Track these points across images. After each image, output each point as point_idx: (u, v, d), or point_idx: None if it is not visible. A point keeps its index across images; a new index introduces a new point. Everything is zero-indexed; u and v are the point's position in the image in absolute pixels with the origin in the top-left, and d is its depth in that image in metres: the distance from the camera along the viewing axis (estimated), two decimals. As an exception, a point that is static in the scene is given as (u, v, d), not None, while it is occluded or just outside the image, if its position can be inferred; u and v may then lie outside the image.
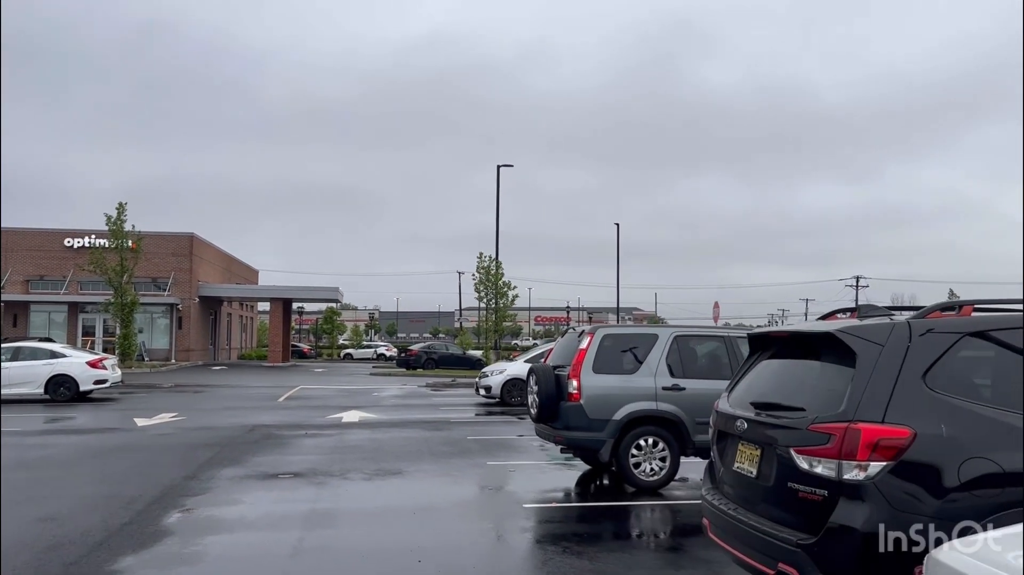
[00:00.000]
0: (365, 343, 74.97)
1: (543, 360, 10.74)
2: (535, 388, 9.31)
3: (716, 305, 29.60)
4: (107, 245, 36.47)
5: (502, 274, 38.15)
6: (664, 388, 9.04)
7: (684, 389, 9.05)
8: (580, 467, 10.40)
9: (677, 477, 9.20)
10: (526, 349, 32.78)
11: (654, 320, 58.12)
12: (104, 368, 20.93)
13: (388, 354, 64.34)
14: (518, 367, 19.89)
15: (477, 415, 17.88)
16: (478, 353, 42.70)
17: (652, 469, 8.91)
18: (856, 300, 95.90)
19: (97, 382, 20.68)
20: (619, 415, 8.87)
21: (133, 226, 36.66)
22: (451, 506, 8.39)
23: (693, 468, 9.18)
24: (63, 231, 41.91)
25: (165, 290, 42.37)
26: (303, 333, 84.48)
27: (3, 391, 20.04)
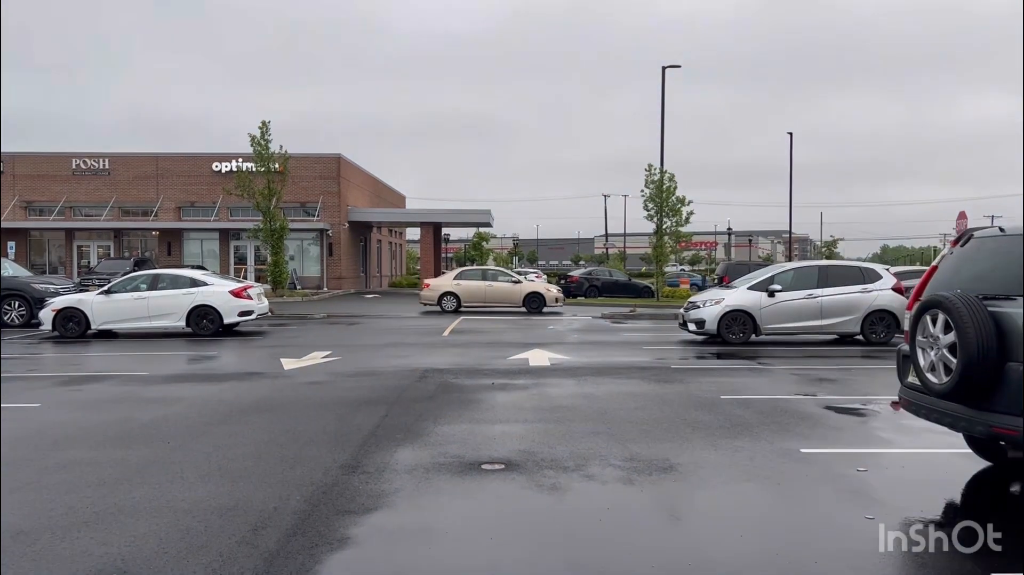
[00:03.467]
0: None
1: (916, 289, 6.38)
2: (947, 338, 5.15)
3: (963, 215, 23.92)
4: (254, 168, 34.56)
5: (675, 187, 33.41)
6: None
7: None
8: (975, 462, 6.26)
9: None
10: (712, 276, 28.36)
11: (831, 245, 51.17)
12: (249, 298, 18.40)
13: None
14: (740, 296, 15.66)
15: (700, 358, 13.91)
16: (645, 280, 38.51)
17: None
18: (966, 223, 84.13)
19: (242, 313, 18.19)
20: None
21: (281, 147, 34.53)
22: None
23: None
24: (211, 155, 40.56)
25: (314, 215, 40.49)
26: (447, 261, 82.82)
27: (144, 324, 17.95)
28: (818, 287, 15.54)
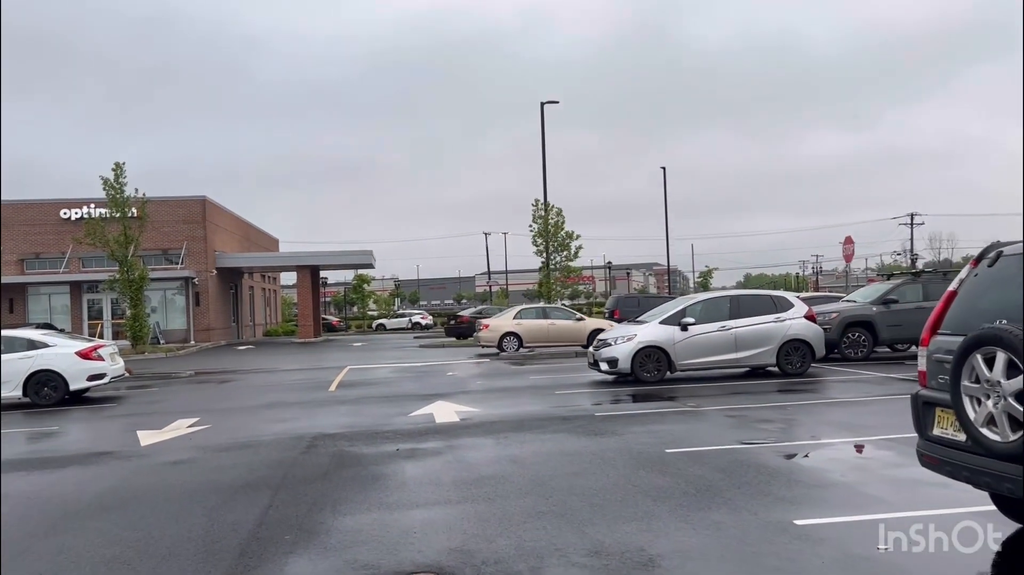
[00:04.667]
0: (398, 311, 70.08)
1: (932, 320, 5.20)
2: (1013, 384, 4.01)
3: (849, 240, 24.21)
4: (108, 215, 31.46)
5: (563, 222, 32.78)
6: None
7: None
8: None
9: None
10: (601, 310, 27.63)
11: (707, 275, 52.16)
12: (100, 359, 15.91)
13: (424, 323, 59.61)
14: (652, 331, 14.68)
15: (620, 402, 12.75)
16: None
17: None
18: (912, 239, 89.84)
19: (92, 377, 15.68)
20: None
21: (136, 190, 31.56)
22: None
23: None
24: (58, 201, 36.90)
25: (178, 262, 37.39)
26: (324, 306, 79.55)
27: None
28: (730, 318, 14.79)
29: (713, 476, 7.00)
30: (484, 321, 26.80)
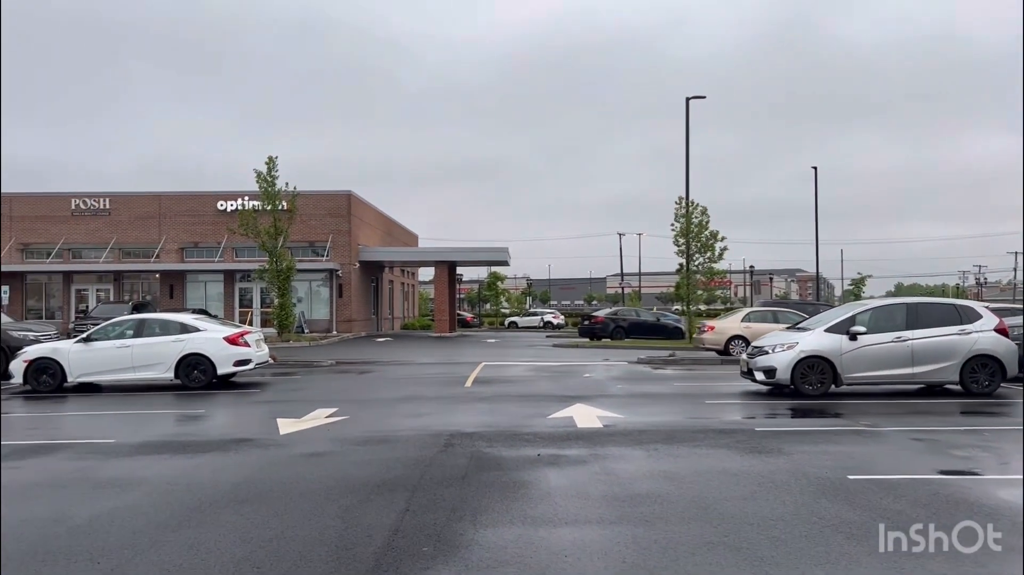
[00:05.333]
0: (530, 310, 69.97)
1: None
2: None
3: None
4: (259, 207, 32.70)
5: (707, 221, 31.28)
6: None
7: None
8: None
9: None
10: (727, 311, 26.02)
11: (859, 283, 48.24)
12: (247, 345, 16.23)
13: (556, 322, 59.09)
14: (817, 339, 13.35)
15: (782, 416, 11.61)
16: (673, 319, 36.23)
17: None
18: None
19: (239, 362, 16.01)
20: None
21: (287, 183, 32.62)
22: None
23: None
24: (215, 193, 38.81)
25: (323, 255, 38.53)
26: (459, 302, 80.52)
27: (128, 375, 15.80)
28: (906, 328, 13.25)
29: (915, 513, 5.91)
30: (708, 323, 25.50)
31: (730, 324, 24.00)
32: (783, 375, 13.22)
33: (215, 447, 9.30)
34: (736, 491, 6.69)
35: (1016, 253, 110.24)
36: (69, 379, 15.52)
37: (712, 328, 24.02)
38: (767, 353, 13.57)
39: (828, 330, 13.38)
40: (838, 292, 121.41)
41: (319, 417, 11.41)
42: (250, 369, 16.41)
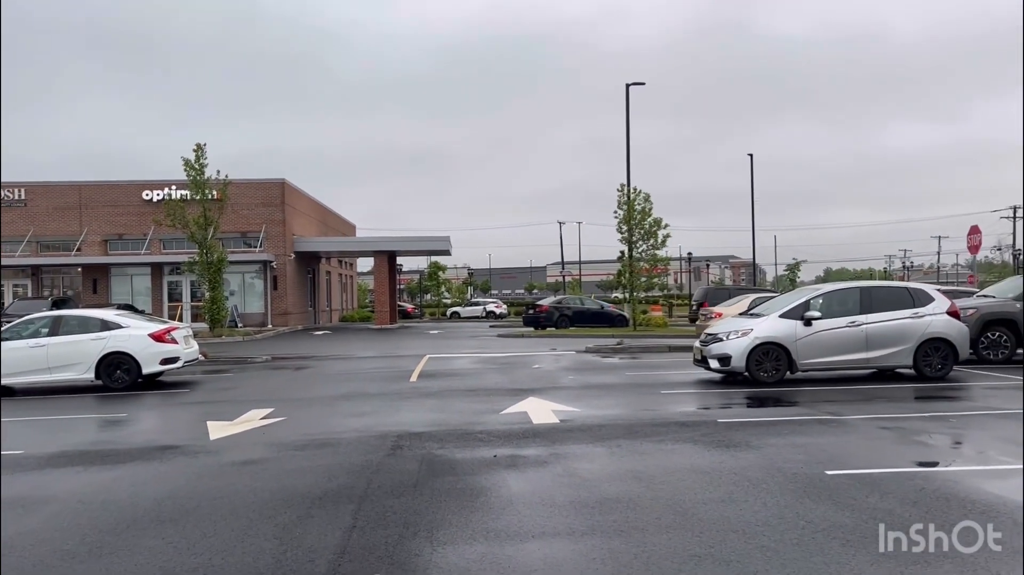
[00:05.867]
0: (472, 300, 69.29)
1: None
2: None
3: (975, 229, 21.93)
4: (188, 196, 31.24)
5: (650, 208, 31.06)
6: None
7: None
8: None
9: None
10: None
11: (794, 268, 49.22)
12: (174, 342, 15.19)
13: (498, 311, 58.62)
14: (771, 325, 13.05)
15: (740, 405, 11.26)
16: (617, 308, 36.05)
17: None
18: (1014, 233, 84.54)
19: (165, 360, 14.98)
20: None
21: (218, 171, 31.21)
22: None
23: None
24: (141, 183, 37.02)
25: (257, 246, 37.15)
26: (399, 293, 79.05)
27: (43, 377, 14.64)
28: (860, 312, 13.06)
29: (907, 512, 5.49)
30: (716, 309, 24.67)
31: (739, 312, 23.64)
32: (738, 362, 12.88)
33: (137, 456, 8.44)
34: (712, 492, 6.19)
35: (939, 238, 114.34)
36: (-24, 382, 14.30)
37: (720, 315, 23.44)
38: (721, 340, 13.23)
39: (783, 315, 13.11)
40: (770, 277, 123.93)
41: (253, 419, 10.60)
42: (178, 367, 15.39)
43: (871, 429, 8.85)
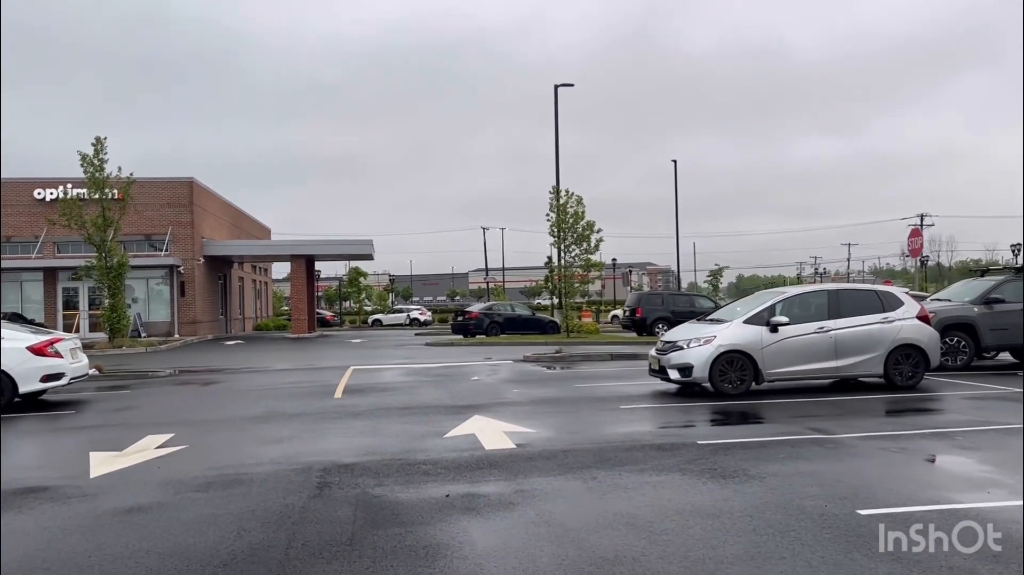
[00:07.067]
0: (395, 307, 67.22)
1: None
2: None
3: (916, 233, 21.56)
4: (86, 196, 28.55)
5: (583, 212, 30.02)
6: None
7: None
8: None
9: None
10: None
11: (717, 273, 49.95)
12: (57, 355, 13.13)
13: (423, 319, 56.85)
14: (736, 332, 11.97)
15: (713, 423, 10.09)
16: (547, 315, 34.90)
17: None
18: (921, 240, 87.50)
19: (47, 377, 12.90)
20: None
21: (119, 168, 28.57)
22: None
23: None
24: (32, 180, 33.85)
25: (163, 249, 34.50)
26: (316, 300, 75.82)
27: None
28: (828, 317, 12.14)
29: (997, 573, 4.31)
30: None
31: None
32: (700, 373, 11.76)
33: (-12, 505, 6.62)
34: (733, 546, 4.90)
35: (849, 245, 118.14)
36: None
37: None
38: (681, 348, 12.09)
39: (747, 321, 12.06)
40: (684, 284, 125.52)
41: (147, 447, 8.84)
42: (63, 384, 13.31)
43: (874, 451, 7.76)
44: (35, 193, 33.50)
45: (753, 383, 11.89)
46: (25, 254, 33.52)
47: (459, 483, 6.79)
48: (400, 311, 60.22)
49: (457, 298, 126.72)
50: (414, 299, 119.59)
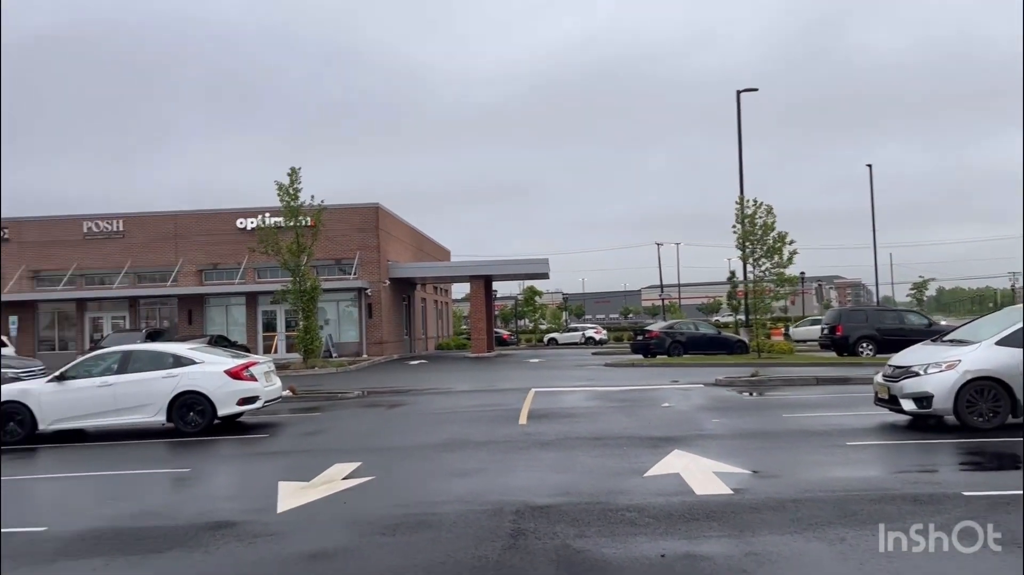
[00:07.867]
0: (569, 325, 66.78)
1: None
2: None
3: None
4: (281, 224, 30.04)
5: (773, 222, 27.96)
6: None
7: None
8: None
9: None
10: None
11: (921, 286, 45.14)
12: (252, 379, 13.37)
13: (598, 337, 55.85)
14: (985, 355, 10.11)
15: (968, 465, 8.46)
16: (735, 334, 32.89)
17: None
18: None
19: (243, 400, 13.17)
20: None
21: (312, 196, 29.81)
22: None
23: None
24: (235, 211, 36.28)
25: (351, 273, 35.83)
26: (494, 319, 76.75)
27: (110, 420, 13.04)
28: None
29: None
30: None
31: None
32: (943, 403, 10.00)
33: (179, 540, 6.38)
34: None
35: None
36: (40, 426, 12.82)
37: None
38: (917, 374, 10.37)
39: (1000, 342, 10.15)
40: (876, 297, 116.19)
41: (334, 478, 8.49)
42: (257, 407, 13.57)
43: None
44: (237, 223, 35.86)
45: (1010, 416, 9.97)
46: (230, 279, 35.92)
47: (673, 538, 5.79)
48: (575, 330, 59.59)
49: (630, 316, 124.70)
50: (586, 317, 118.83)
